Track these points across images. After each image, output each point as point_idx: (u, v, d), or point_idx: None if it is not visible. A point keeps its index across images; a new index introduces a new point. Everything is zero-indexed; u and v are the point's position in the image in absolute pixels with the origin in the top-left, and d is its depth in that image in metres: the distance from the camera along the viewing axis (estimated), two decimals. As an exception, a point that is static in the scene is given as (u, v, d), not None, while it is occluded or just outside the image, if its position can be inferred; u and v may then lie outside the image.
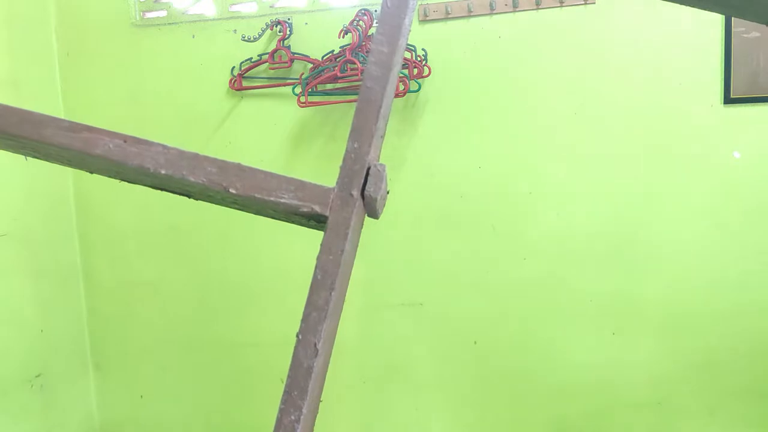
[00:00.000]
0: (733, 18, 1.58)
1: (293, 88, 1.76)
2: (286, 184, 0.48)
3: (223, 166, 0.49)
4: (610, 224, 1.70)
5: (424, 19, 1.72)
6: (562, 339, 1.75)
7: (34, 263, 1.81)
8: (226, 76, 1.83)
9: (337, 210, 0.48)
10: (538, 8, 1.67)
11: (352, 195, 0.48)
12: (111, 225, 1.96)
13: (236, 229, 1.90)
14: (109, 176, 0.53)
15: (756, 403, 1.68)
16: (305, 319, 0.50)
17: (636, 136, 1.66)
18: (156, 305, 1.97)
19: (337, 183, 0.48)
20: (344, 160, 0.48)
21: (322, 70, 1.69)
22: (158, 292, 1.96)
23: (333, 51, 1.71)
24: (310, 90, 1.71)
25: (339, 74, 1.65)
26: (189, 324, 1.95)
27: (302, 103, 1.70)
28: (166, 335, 1.97)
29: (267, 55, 1.77)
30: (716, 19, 1.60)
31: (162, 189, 0.53)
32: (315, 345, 0.50)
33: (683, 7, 1.65)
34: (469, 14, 1.70)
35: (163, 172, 0.46)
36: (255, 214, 0.54)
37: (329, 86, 1.74)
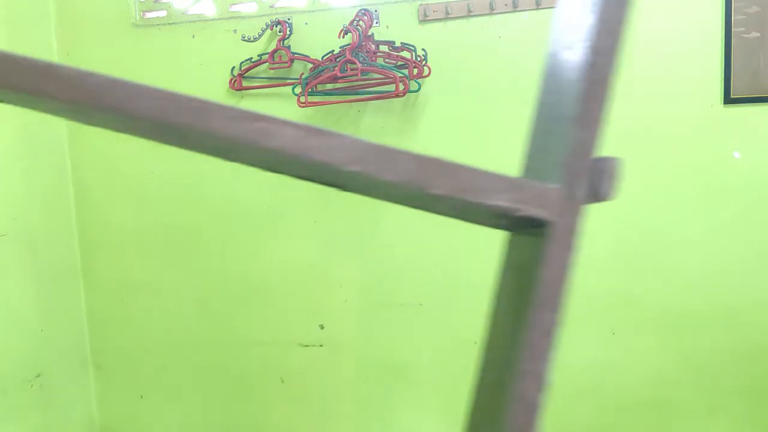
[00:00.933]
0: (733, 18, 1.58)
1: (293, 88, 1.76)
2: (499, 182, 0.41)
3: (422, 161, 0.40)
4: (610, 224, 1.70)
5: (424, 19, 1.72)
6: (562, 338, 1.75)
7: (34, 263, 1.81)
8: (226, 76, 1.83)
9: (561, 214, 0.40)
10: (538, 8, 1.67)
11: (578, 195, 0.40)
12: (111, 225, 1.96)
13: (236, 229, 1.90)
14: (279, 172, 0.47)
15: (756, 403, 1.68)
16: (528, 345, 0.40)
17: (635, 136, 1.66)
18: (156, 305, 1.97)
19: (561, 180, 0.39)
20: (569, 153, 0.39)
21: (322, 70, 1.69)
22: (158, 292, 1.96)
23: (333, 51, 1.71)
24: (310, 90, 1.71)
25: (339, 74, 1.65)
26: (189, 324, 1.95)
27: (302, 103, 1.70)
28: (166, 335, 1.97)
29: (267, 55, 1.77)
30: (716, 19, 1.60)
31: (338, 187, 0.46)
32: (541, 377, 0.40)
33: (683, 7, 1.65)
34: (469, 14, 1.70)
35: (351, 168, 0.38)
36: (445, 215, 0.47)
37: (329, 86, 1.74)
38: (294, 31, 1.78)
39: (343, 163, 0.39)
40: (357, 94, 1.73)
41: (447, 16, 1.71)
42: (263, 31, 1.77)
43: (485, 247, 1.77)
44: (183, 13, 1.86)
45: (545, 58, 0.47)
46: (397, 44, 1.71)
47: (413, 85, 1.70)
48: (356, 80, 1.71)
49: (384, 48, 1.71)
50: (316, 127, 0.39)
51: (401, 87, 1.65)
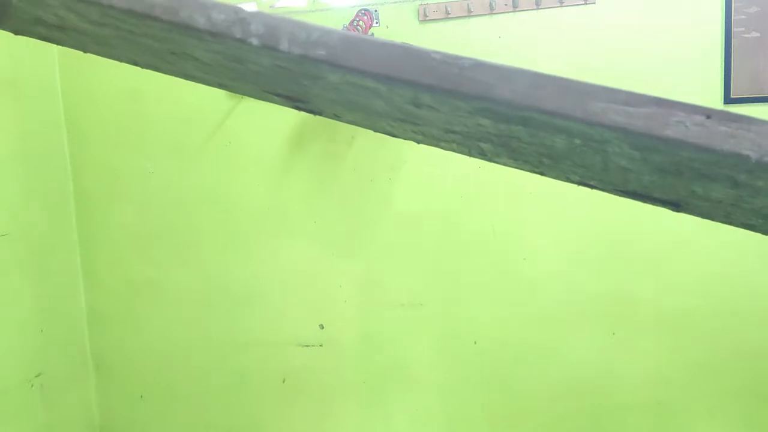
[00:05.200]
0: (733, 18, 1.58)
1: (293, 88, 1.76)
2: None
3: None
4: (610, 224, 1.70)
5: (424, 19, 1.72)
6: (562, 339, 1.75)
7: (34, 263, 1.81)
8: (226, 76, 1.83)
9: None
10: (538, 8, 1.67)
11: None
12: (111, 225, 1.96)
13: (236, 229, 1.90)
14: (671, 163, 0.39)
15: (755, 403, 1.68)
16: None
17: (636, 136, 1.66)
18: (156, 305, 1.97)
19: None
20: None
21: (322, 70, 1.69)
22: (158, 292, 1.96)
23: (333, 51, 1.71)
24: (310, 90, 1.71)
25: (339, 74, 1.64)
26: (189, 324, 1.95)
27: (302, 103, 1.70)
28: (166, 335, 1.97)
29: (267, 55, 1.77)
30: (716, 20, 1.60)
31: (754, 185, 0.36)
32: None
33: (683, 7, 1.65)
34: (469, 14, 1.70)
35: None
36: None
37: (329, 86, 1.74)
38: (294, 31, 1.78)
39: (762, 155, 0.31)
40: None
41: (447, 16, 1.71)
42: (263, 31, 1.77)
43: (485, 248, 1.77)
44: (183, 13, 1.86)
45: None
46: (397, 44, 1.71)
47: (413, 85, 1.69)
48: (356, 80, 1.70)
49: (384, 48, 1.71)
50: (722, 111, 0.33)
51: (401, 87, 1.64)
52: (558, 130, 0.35)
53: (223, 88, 0.59)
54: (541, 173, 0.49)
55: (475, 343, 1.80)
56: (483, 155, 0.54)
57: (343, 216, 1.84)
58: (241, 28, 0.34)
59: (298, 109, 0.55)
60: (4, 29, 0.54)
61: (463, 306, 1.79)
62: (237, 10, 0.35)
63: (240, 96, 1.84)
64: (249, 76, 0.46)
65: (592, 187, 0.45)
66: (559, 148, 0.37)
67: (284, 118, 1.83)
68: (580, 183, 0.45)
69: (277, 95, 0.52)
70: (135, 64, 0.55)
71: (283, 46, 0.34)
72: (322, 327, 1.87)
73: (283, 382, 1.92)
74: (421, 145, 1.97)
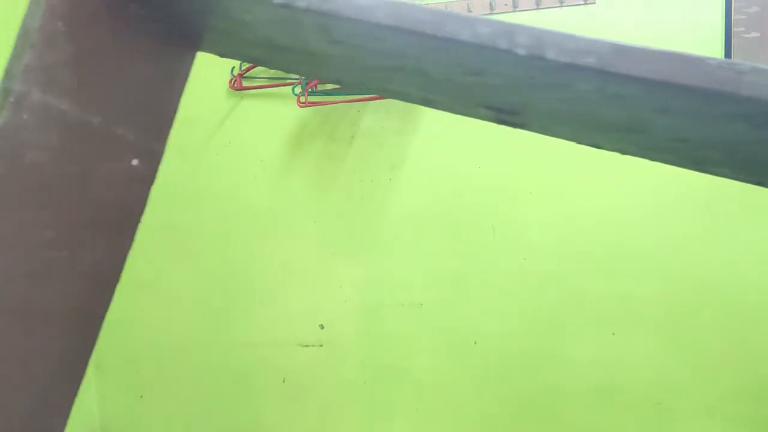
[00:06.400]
0: (733, 18, 1.58)
1: (293, 88, 1.76)
2: None
3: None
4: (611, 224, 1.70)
5: (424, 19, 1.72)
6: (562, 339, 1.75)
7: (34, 263, 1.81)
8: (226, 77, 1.83)
9: None
10: (538, 8, 1.67)
11: None
12: (111, 225, 1.96)
13: (237, 229, 1.90)
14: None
15: (755, 403, 1.68)
16: None
17: (636, 136, 1.66)
18: (156, 305, 1.97)
19: None
20: None
21: (322, 70, 1.69)
22: (158, 292, 1.96)
23: (333, 51, 1.71)
24: (310, 90, 1.71)
25: (339, 74, 1.64)
26: (189, 324, 1.95)
27: (302, 103, 1.70)
28: (166, 335, 1.97)
29: (267, 55, 1.77)
30: (716, 20, 1.60)
31: None
32: None
33: (683, 7, 1.65)
34: (469, 14, 1.70)
35: None
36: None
37: (329, 86, 1.74)
38: (294, 31, 1.78)
39: None
40: (357, 94, 1.74)
41: (447, 16, 1.71)
42: (263, 31, 1.77)
43: (485, 248, 1.77)
44: (183, 13, 1.86)
45: None
46: (397, 44, 1.71)
47: (413, 85, 1.70)
48: (356, 80, 1.70)
49: (384, 48, 1.71)
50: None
51: (401, 87, 1.64)
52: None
53: (426, 104, 0.61)
54: (760, 183, 0.51)
55: (475, 343, 1.80)
56: (699, 165, 0.57)
57: (343, 216, 1.84)
58: (507, 39, 0.36)
59: (501, 122, 0.57)
60: (206, 51, 0.56)
61: (463, 306, 1.79)
62: (501, 23, 0.37)
63: (240, 96, 1.84)
64: (473, 90, 0.48)
65: None
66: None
67: (284, 118, 1.83)
68: None
69: (489, 108, 0.54)
70: (339, 83, 0.57)
71: (550, 54, 0.35)
72: (322, 327, 1.87)
73: (283, 382, 1.92)
74: (422, 145, 1.95)
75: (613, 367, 1.74)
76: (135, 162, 0.49)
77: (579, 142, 0.62)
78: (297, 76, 1.76)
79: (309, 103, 1.72)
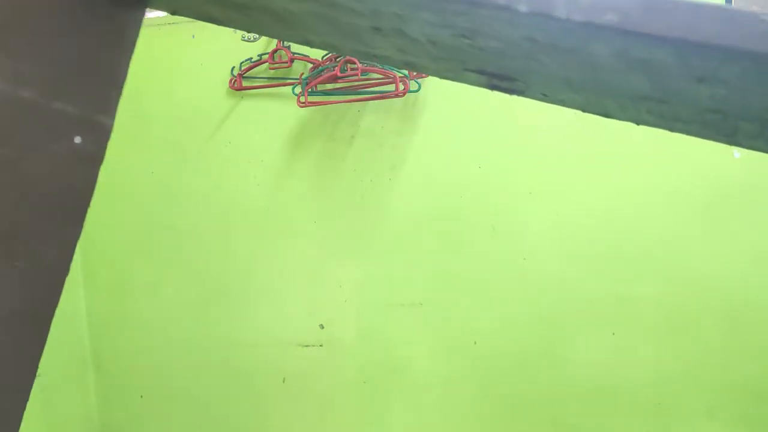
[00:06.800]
0: (733, 18, 1.58)
1: (293, 88, 1.76)
2: None
3: None
4: (611, 224, 1.70)
5: (424, 19, 1.72)
6: (562, 339, 1.75)
7: (34, 263, 1.81)
8: (226, 76, 1.83)
9: None
10: (538, 8, 1.67)
11: None
12: (111, 225, 1.96)
13: (236, 229, 1.90)
14: None
15: (755, 403, 1.68)
16: None
17: (636, 136, 1.66)
18: (156, 305, 1.97)
19: None
20: None
21: (322, 70, 1.69)
22: (158, 293, 1.96)
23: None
24: (310, 90, 1.71)
25: (339, 74, 1.65)
26: (189, 324, 1.95)
27: (302, 103, 1.70)
28: (166, 335, 1.97)
29: (267, 55, 1.77)
30: (716, 19, 1.59)
31: None
32: None
33: (683, 7, 1.65)
34: (469, 14, 1.70)
35: None
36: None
37: (329, 86, 1.74)
38: (294, 31, 1.78)
39: None
40: (357, 94, 1.73)
41: (447, 16, 1.71)
42: (263, 31, 1.77)
43: (485, 248, 1.77)
44: (183, 13, 1.86)
45: None
46: (397, 44, 1.71)
47: (413, 85, 1.70)
48: (356, 80, 1.71)
49: (384, 48, 1.71)
50: None
51: (401, 87, 1.65)
52: None
53: (408, 67, 0.54)
54: None
55: (475, 343, 1.80)
56: (730, 138, 0.49)
57: (343, 216, 1.84)
58: None
59: (494, 88, 0.49)
60: (156, 8, 0.48)
61: (463, 306, 1.79)
62: None
63: (240, 96, 1.84)
64: (461, 54, 0.41)
65: None
66: None
67: (284, 118, 1.83)
68: None
69: (481, 73, 0.47)
70: (308, 43, 0.50)
71: (560, 12, 0.29)
72: (322, 327, 1.87)
73: (283, 382, 1.92)
74: (422, 145, 1.95)
75: (613, 367, 1.74)
76: (78, 140, 0.41)
77: (586, 111, 0.54)
78: (297, 76, 1.76)
79: (309, 103, 1.72)
